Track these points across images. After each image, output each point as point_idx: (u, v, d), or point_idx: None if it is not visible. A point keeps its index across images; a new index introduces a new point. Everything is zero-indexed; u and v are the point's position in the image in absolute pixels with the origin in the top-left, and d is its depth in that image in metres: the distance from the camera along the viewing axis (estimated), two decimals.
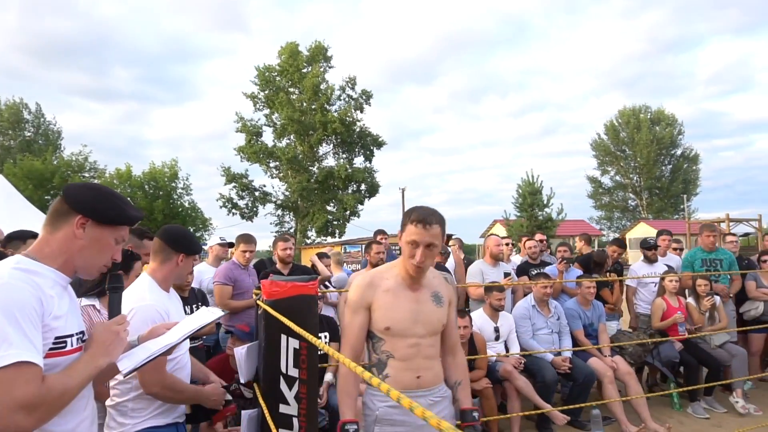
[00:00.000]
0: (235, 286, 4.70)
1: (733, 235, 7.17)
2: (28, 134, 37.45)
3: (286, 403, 2.31)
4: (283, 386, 2.32)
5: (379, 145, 37.98)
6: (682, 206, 53.56)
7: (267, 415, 2.25)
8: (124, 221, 1.55)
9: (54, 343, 1.38)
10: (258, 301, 2.36)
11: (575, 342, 5.22)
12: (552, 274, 5.75)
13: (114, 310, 1.64)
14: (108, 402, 2.08)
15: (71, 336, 1.44)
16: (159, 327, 1.85)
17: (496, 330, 4.95)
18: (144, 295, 2.09)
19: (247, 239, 4.95)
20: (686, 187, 54.26)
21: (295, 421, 2.36)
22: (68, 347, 1.43)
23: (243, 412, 2.32)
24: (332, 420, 3.97)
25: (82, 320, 1.58)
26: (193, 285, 4.37)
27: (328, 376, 4.01)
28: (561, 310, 5.30)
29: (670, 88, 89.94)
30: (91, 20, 74.21)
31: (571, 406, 4.58)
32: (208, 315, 1.94)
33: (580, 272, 6.12)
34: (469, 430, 2.22)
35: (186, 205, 38.59)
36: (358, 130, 37.01)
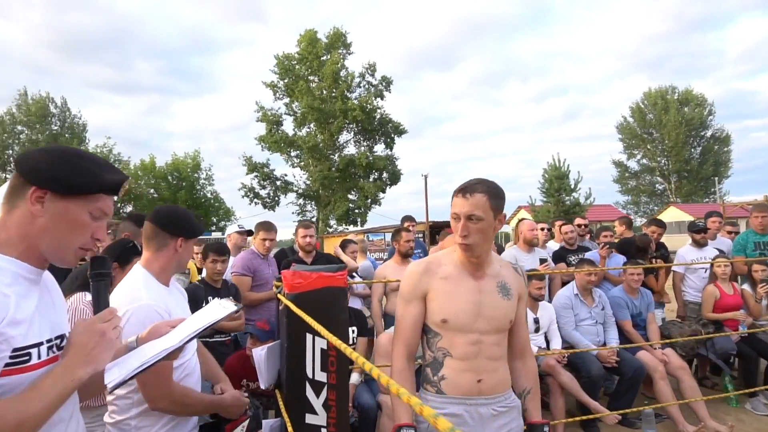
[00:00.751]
0: (255, 277, 4.40)
1: None
2: (55, 128, 37.88)
3: (313, 412, 2.00)
4: (310, 393, 2.00)
5: (400, 132, 37.46)
6: (712, 189, 52.03)
7: (289, 425, 1.94)
8: (97, 188, 1.20)
9: (12, 357, 1.06)
10: (279, 295, 2.04)
11: (622, 333, 4.81)
12: (594, 260, 5.33)
13: (99, 303, 1.29)
14: (107, 418, 1.75)
15: (38, 345, 1.13)
16: (161, 325, 1.51)
17: (536, 321, 4.58)
18: (138, 294, 1.73)
19: (267, 227, 4.65)
20: (717, 169, 52.58)
21: (324, 431, 2.05)
22: (33, 360, 1.11)
23: (264, 422, 2.01)
24: (362, 418, 3.67)
25: (63, 322, 1.27)
26: None
27: (354, 377, 3.69)
28: (605, 299, 4.89)
29: (697, 68, 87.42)
30: (112, 14, 74.82)
31: (624, 411, 4.18)
32: (219, 310, 1.60)
33: (622, 258, 5.69)
34: None
35: (209, 195, 38.87)
36: (378, 117, 36.54)
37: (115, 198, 1.31)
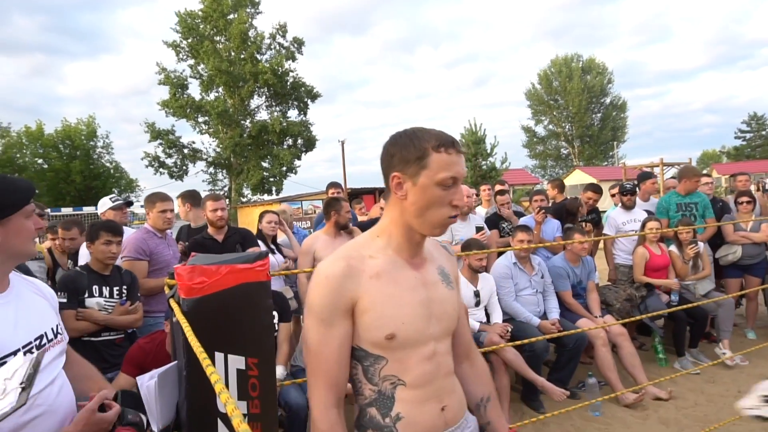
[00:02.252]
0: (152, 260, 3.66)
1: (708, 176, 6.77)
2: None
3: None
4: None
5: (314, 96, 36.28)
6: (611, 153, 55.51)
7: None
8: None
9: None
10: (171, 301, 1.44)
11: (562, 302, 4.61)
12: (529, 225, 5.07)
13: None
14: None
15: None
16: None
17: (476, 294, 4.23)
18: None
19: (162, 197, 3.87)
20: (615, 134, 56.11)
21: None
22: None
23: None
24: (291, 419, 3.16)
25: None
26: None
27: (279, 371, 3.14)
28: (545, 266, 4.65)
29: (597, 37, 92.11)
30: None
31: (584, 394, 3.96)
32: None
33: (557, 223, 5.50)
34: None
35: (108, 165, 35.77)
36: (291, 81, 35.08)
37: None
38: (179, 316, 1.26)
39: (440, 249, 1.54)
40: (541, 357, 4.15)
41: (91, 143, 35.10)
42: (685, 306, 4.58)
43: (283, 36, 35.12)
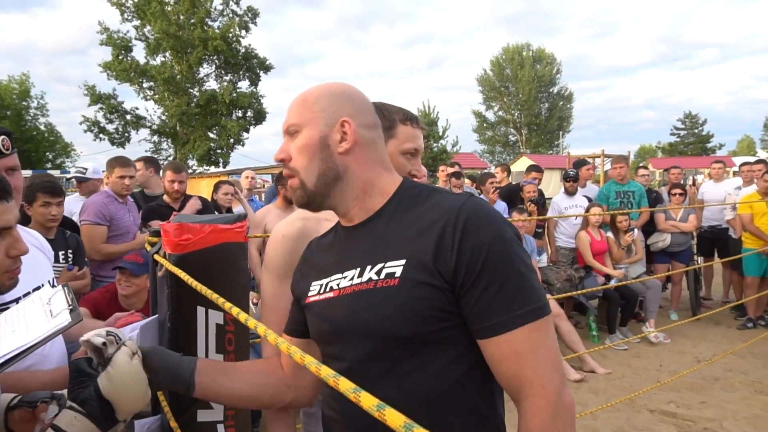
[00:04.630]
0: (112, 225, 3.61)
1: (645, 168, 7.25)
2: None
3: (206, 405, 1.54)
4: None
5: (267, 68, 35.37)
6: (557, 142, 57.35)
7: (175, 426, 1.46)
8: None
9: None
10: (156, 256, 1.50)
11: None
12: None
13: None
14: None
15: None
16: None
17: None
18: None
19: (123, 162, 3.79)
20: (561, 124, 57.94)
21: (221, 427, 1.60)
22: None
23: (137, 423, 1.50)
24: None
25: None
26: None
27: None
28: None
29: (548, 27, 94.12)
30: None
31: None
32: (44, 321, 1.04)
33: (504, 205, 5.77)
34: None
35: (42, 128, 33.81)
36: (243, 51, 34.05)
37: None
38: (172, 268, 1.32)
39: None
40: None
41: (24, 103, 33.05)
42: (618, 284, 4.95)
43: (237, 3, 33.96)
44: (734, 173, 14.70)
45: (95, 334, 1.01)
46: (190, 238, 1.47)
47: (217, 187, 4.98)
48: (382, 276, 1.00)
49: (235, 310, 0.89)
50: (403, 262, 0.98)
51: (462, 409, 0.99)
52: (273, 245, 1.42)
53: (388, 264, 1.00)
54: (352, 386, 0.61)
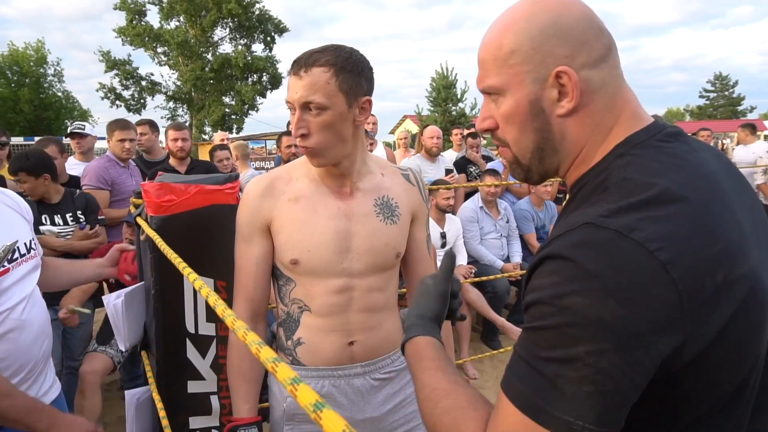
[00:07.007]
0: (114, 190, 3.52)
1: None
2: None
3: (198, 377, 1.45)
4: (192, 353, 1.43)
5: (281, 31, 34.78)
6: None
7: (158, 398, 1.37)
8: None
9: None
10: (139, 219, 1.37)
11: (524, 246, 4.72)
12: (498, 169, 5.11)
13: None
14: None
15: None
16: None
17: (443, 236, 4.28)
18: None
19: (122, 125, 3.67)
20: None
21: (215, 399, 1.51)
22: None
23: (127, 393, 1.42)
24: None
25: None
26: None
27: None
28: (510, 211, 4.72)
29: None
30: None
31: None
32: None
33: None
34: None
35: (59, 95, 33.92)
36: (257, 13, 33.46)
37: None
38: (150, 232, 1.21)
39: (397, 176, 1.42)
40: (503, 299, 4.28)
41: (41, 70, 33.09)
42: None
43: None
44: (766, 137, 14.17)
45: None
46: (173, 199, 1.35)
47: (211, 154, 4.78)
48: None
49: (198, 283, 0.78)
50: None
51: None
52: (240, 204, 1.37)
53: None
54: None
